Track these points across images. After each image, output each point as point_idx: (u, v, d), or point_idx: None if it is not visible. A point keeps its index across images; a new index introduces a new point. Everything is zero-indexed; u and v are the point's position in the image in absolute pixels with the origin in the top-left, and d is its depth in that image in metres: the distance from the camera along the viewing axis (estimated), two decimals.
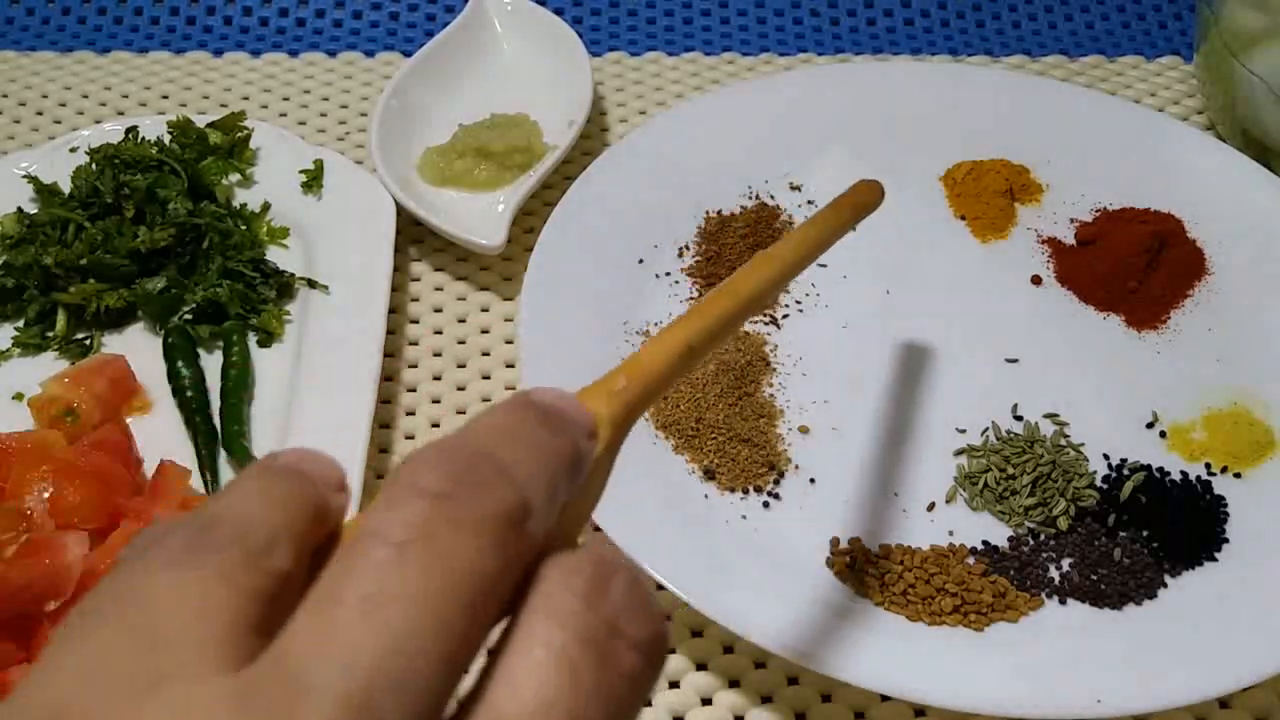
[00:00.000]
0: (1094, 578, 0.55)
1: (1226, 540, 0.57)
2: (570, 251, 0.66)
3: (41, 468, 0.54)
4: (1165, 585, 0.55)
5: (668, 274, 0.68)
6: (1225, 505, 0.58)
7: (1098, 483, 0.59)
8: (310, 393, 0.61)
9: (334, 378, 0.62)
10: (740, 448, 0.59)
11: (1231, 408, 0.63)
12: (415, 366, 0.67)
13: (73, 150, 0.73)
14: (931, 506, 0.58)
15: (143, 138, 0.73)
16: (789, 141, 0.75)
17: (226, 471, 0.59)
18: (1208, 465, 0.60)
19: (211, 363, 0.64)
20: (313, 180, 0.73)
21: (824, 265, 0.69)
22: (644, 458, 0.59)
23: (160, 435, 0.60)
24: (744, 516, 0.57)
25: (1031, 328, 0.67)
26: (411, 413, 0.65)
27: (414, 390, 0.66)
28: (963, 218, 0.73)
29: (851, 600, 0.54)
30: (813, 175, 0.74)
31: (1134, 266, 0.69)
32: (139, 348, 0.64)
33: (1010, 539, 0.57)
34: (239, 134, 0.75)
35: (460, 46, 0.83)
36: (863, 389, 0.63)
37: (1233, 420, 0.62)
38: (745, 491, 0.58)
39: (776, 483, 0.59)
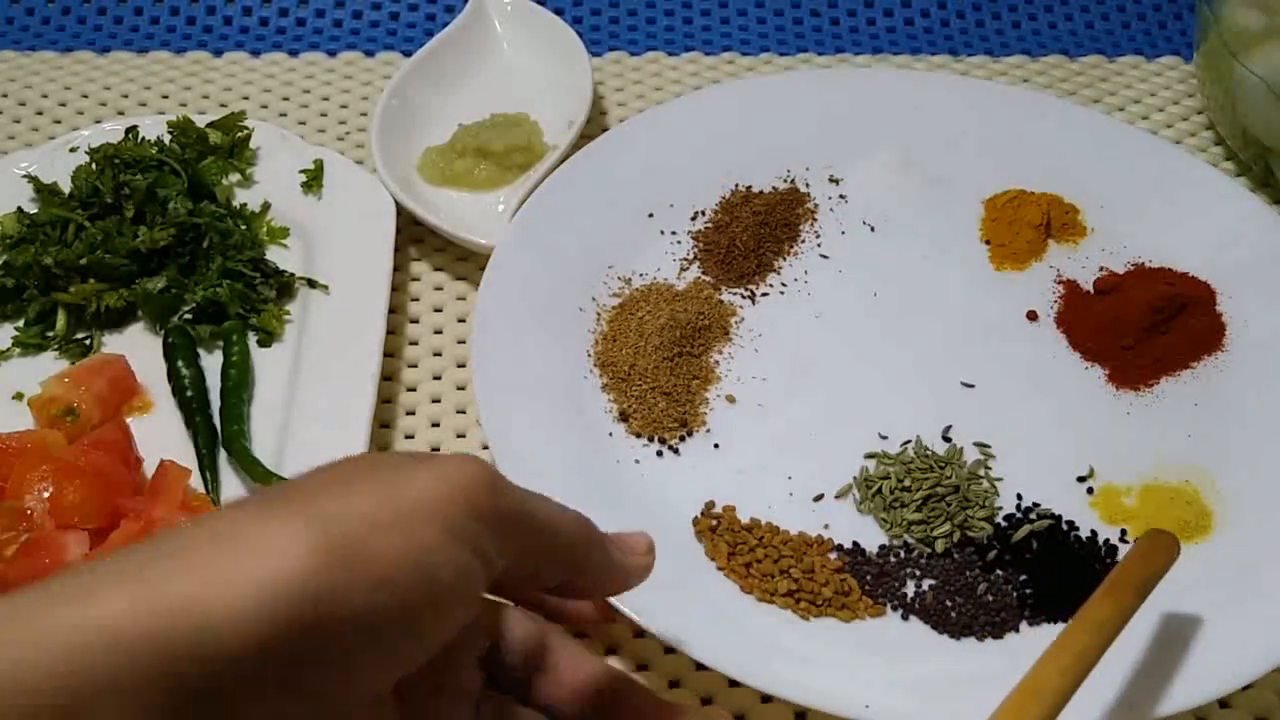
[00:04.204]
0: (948, 604, 0.53)
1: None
2: (575, 198, 0.69)
3: (41, 468, 0.54)
4: (1017, 631, 0.53)
5: (673, 232, 0.70)
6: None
7: (998, 519, 0.57)
8: (310, 393, 0.61)
9: (334, 378, 0.62)
10: (660, 399, 0.61)
11: (1182, 484, 0.59)
12: (415, 366, 0.67)
13: (73, 150, 0.73)
14: (819, 498, 0.58)
15: (143, 138, 0.73)
16: (841, 137, 0.75)
17: (227, 471, 0.59)
18: (1123, 532, 0.57)
19: (211, 363, 0.64)
20: (313, 180, 0.73)
21: (826, 257, 0.70)
22: (574, 390, 0.61)
23: (160, 435, 0.60)
24: (637, 461, 0.59)
25: (1004, 359, 0.64)
26: (411, 413, 0.65)
27: (414, 390, 0.66)
28: (987, 242, 0.71)
29: (700, 559, 0.55)
30: (855, 172, 0.74)
31: (1134, 325, 0.65)
32: (139, 348, 0.64)
33: (881, 546, 0.56)
34: (239, 134, 0.75)
35: (460, 46, 0.83)
36: (806, 376, 0.63)
37: (1171, 495, 0.58)
38: (650, 440, 0.60)
39: (681, 440, 0.60)
